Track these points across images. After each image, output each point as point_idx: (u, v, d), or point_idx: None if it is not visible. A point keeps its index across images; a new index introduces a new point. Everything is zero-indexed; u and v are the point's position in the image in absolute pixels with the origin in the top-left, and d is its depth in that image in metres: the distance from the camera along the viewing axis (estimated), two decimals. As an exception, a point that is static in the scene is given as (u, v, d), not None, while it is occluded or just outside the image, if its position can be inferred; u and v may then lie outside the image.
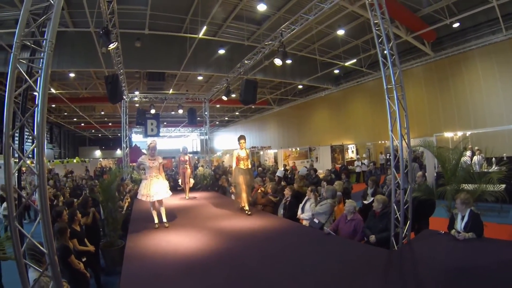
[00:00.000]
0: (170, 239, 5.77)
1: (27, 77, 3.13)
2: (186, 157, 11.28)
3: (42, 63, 3.11)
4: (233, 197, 10.44)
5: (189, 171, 11.33)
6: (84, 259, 5.31)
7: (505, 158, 11.57)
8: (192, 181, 11.57)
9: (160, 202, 6.84)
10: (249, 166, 8.25)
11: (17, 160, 3.28)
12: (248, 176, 8.00)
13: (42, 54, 3.14)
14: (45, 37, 3.21)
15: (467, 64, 15.69)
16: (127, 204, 9.16)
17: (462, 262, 3.96)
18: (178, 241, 5.22)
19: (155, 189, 6.69)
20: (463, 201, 4.70)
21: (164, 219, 6.80)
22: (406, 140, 5.36)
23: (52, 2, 3.29)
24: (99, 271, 6.38)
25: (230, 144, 41.07)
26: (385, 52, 5.44)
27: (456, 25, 13.84)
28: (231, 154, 31.26)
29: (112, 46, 8.95)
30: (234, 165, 8.19)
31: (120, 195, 9.36)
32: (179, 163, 11.46)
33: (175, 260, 4.65)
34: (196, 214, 8.20)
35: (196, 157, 30.35)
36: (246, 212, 7.65)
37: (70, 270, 4.63)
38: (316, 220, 6.54)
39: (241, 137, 8.15)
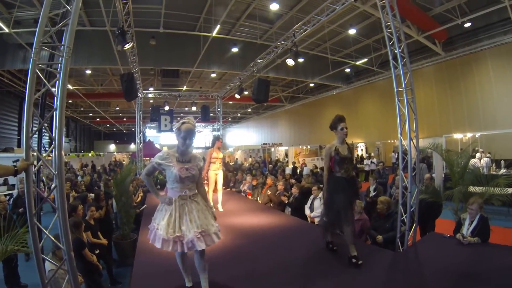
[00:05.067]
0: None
1: (45, 81, 3.21)
2: (220, 154, 7.80)
3: (60, 67, 3.21)
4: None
5: (221, 175, 7.87)
6: (97, 252, 5.54)
7: (514, 160, 11.56)
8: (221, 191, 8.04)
9: (201, 253, 3.32)
10: (353, 174, 4.70)
11: (37, 158, 3.42)
12: (353, 192, 4.55)
13: (60, 59, 3.24)
14: (62, 42, 3.31)
15: (479, 65, 15.56)
16: (139, 199, 9.39)
17: (465, 267, 4.02)
18: (190, 237, 5.30)
19: (192, 227, 3.21)
20: (481, 206, 4.78)
21: (205, 284, 3.43)
22: (414, 143, 5.40)
23: (69, 8, 3.37)
24: (111, 263, 6.59)
25: (241, 140, 41.29)
26: (396, 54, 5.51)
27: (467, 24, 13.67)
28: (245, 150, 31.86)
29: (127, 46, 9.18)
30: (325, 172, 4.67)
31: (134, 189, 9.56)
32: (208, 160, 7.53)
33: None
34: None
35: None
36: (354, 261, 4.16)
37: (83, 262, 4.84)
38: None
39: (341, 119, 4.63)
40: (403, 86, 5.34)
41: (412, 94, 5.40)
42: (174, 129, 3.38)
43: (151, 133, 35.29)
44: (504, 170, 10.47)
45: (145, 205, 8.71)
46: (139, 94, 14.69)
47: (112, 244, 7.22)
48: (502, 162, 11.30)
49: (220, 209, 7.78)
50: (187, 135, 3.30)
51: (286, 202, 8.27)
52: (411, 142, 5.34)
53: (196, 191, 3.49)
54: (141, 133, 16.45)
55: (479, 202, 4.79)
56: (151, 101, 20.95)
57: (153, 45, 13.90)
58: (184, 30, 14.42)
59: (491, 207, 6.06)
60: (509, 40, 13.54)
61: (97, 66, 16.43)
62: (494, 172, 10.09)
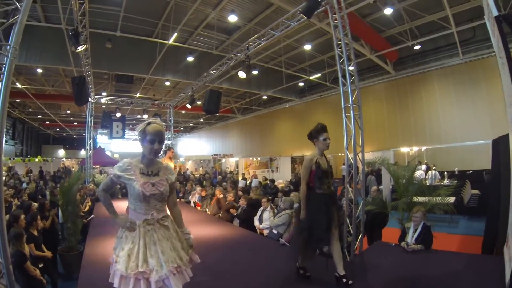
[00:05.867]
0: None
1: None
2: (171, 164, 6.81)
3: (4, 68, 3.06)
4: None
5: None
6: (41, 265, 5.22)
7: (456, 172, 12.34)
8: None
9: None
10: (333, 189, 4.33)
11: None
12: (335, 212, 4.07)
13: (4, 59, 3.09)
14: (9, 42, 3.16)
15: (426, 84, 16.54)
16: (87, 208, 9.04)
17: (409, 273, 4.19)
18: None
19: (166, 260, 2.45)
20: (424, 214, 5.06)
21: None
22: (360, 158, 5.62)
23: (19, 6, 3.24)
24: (56, 277, 6.22)
25: (193, 150, 40.66)
26: (346, 72, 5.74)
27: (417, 47, 14.65)
28: (195, 160, 31.68)
29: (80, 48, 8.88)
30: (303, 187, 4.04)
31: (81, 198, 9.21)
32: None
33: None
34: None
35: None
36: (344, 280, 3.87)
37: (25, 277, 4.57)
38: (275, 231, 6.68)
39: (324, 128, 4.28)
40: (351, 102, 5.56)
41: (359, 111, 5.65)
42: (137, 132, 2.64)
43: (102, 139, 34.23)
44: (447, 181, 11.12)
45: (92, 215, 8.41)
46: (90, 99, 14.24)
47: (57, 257, 6.88)
48: (445, 173, 12.01)
49: None
50: (155, 138, 2.55)
51: (235, 214, 8.27)
52: (357, 156, 5.56)
53: (167, 212, 2.75)
54: (91, 139, 15.90)
55: (422, 211, 5.07)
56: (103, 106, 20.27)
57: (109, 48, 13.48)
58: (141, 36, 14.13)
59: (436, 215, 6.40)
60: (454, 63, 14.72)
61: (50, 65, 15.34)
62: (438, 183, 10.67)
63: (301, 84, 21.53)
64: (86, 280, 4.18)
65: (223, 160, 28.48)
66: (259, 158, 25.05)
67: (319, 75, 18.13)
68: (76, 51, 9.11)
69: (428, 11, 12.18)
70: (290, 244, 4.90)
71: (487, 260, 4.63)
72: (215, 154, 29.30)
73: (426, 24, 12.92)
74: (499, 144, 5.35)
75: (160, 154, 2.71)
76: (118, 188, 11.12)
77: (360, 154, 5.62)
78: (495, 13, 3.06)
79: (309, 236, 3.86)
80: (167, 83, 20.38)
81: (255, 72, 10.64)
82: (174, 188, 2.84)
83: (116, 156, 30.96)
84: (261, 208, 7.52)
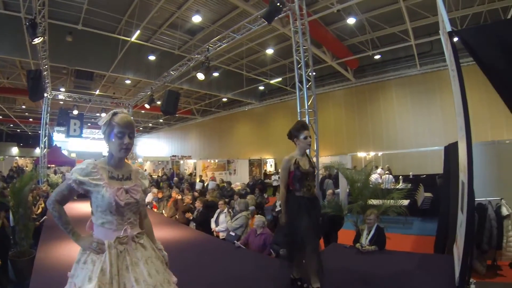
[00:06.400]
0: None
1: None
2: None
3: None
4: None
5: None
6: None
7: (411, 176, 12.93)
8: None
9: None
10: (315, 192, 4.03)
11: None
12: (316, 215, 3.86)
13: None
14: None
15: (384, 92, 17.23)
16: (40, 210, 8.69)
17: (363, 273, 4.27)
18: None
19: None
20: (377, 216, 5.25)
21: None
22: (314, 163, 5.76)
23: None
24: (7, 284, 5.98)
25: (152, 151, 39.96)
26: (303, 77, 5.89)
27: (377, 56, 15.48)
28: (154, 161, 31.12)
29: (37, 40, 8.59)
30: (283, 190, 3.83)
31: (33, 200, 8.83)
32: None
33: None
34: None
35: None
36: None
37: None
38: (232, 233, 6.71)
39: (305, 126, 3.76)
40: (306, 107, 5.70)
41: (315, 116, 5.80)
42: (101, 124, 2.06)
43: (59, 137, 32.92)
44: (403, 185, 11.58)
45: (45, 217, 8.08)
46: (46, 94, 13.69)
47: (8, 263, 6.55)
48: (400, 177, 12.51)
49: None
50: (125, 130, 2.01)
51: (191, 218, 8.22)
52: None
53: (142, 229, 2.25)
54: (47, 137, 15.32)
55: (375, 213, 5.27)
56: (61, 102, 19.47)
57: (69, 42, 12.88)
58: (104, 31, 13.65)
59: (391, 217, 6.65)
60: (411, 73, 15.60)
61: (5, 56, 14.11)
62: (392, 187, 11.09)
63: (261, 87, 21.80)
64: (38, 286, 3.98)
65: (182, 162, 28.20)
66: (216, 161, 25.03)
67: (279, 79, 18.42)
68: (33, 42, 8.78)
69: (390, 24, 12.76)
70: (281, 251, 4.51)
71: (439, 259, 4.82)
72: (173, 156, 28.98)
73: (387, 35, 13.54)
74: (449, 150, 5.64)
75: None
76: None
77: (315, 158, 5.76)
78: (448, 28, 3.23)
79: (295, 243, 3.63)
80: (128, 82, 19.96)
81: (215, 74, 10.67)
82: (146, 195, 2.38)
83: (73, 155, 29.93)
84: (218, 211, 7.56)
